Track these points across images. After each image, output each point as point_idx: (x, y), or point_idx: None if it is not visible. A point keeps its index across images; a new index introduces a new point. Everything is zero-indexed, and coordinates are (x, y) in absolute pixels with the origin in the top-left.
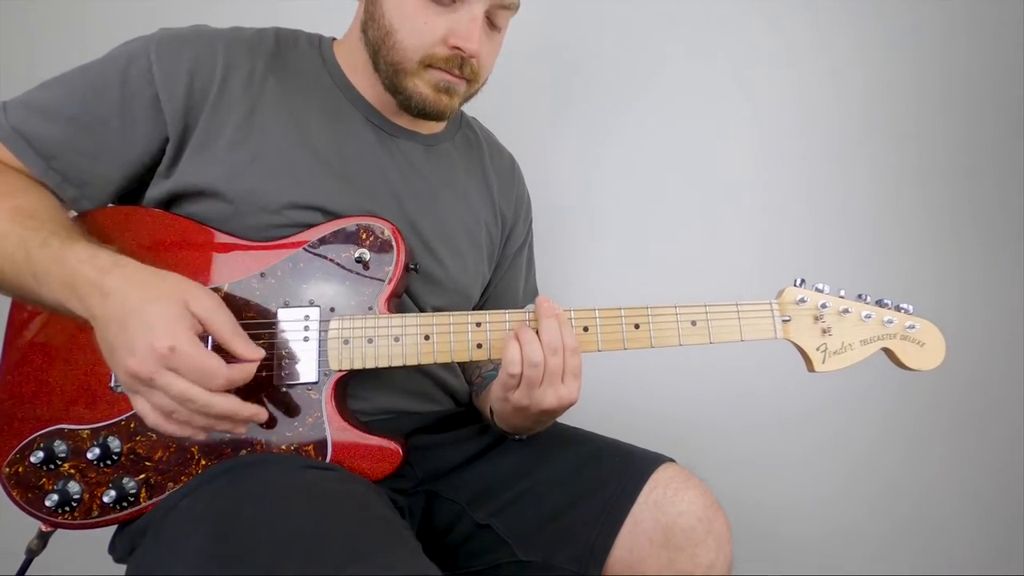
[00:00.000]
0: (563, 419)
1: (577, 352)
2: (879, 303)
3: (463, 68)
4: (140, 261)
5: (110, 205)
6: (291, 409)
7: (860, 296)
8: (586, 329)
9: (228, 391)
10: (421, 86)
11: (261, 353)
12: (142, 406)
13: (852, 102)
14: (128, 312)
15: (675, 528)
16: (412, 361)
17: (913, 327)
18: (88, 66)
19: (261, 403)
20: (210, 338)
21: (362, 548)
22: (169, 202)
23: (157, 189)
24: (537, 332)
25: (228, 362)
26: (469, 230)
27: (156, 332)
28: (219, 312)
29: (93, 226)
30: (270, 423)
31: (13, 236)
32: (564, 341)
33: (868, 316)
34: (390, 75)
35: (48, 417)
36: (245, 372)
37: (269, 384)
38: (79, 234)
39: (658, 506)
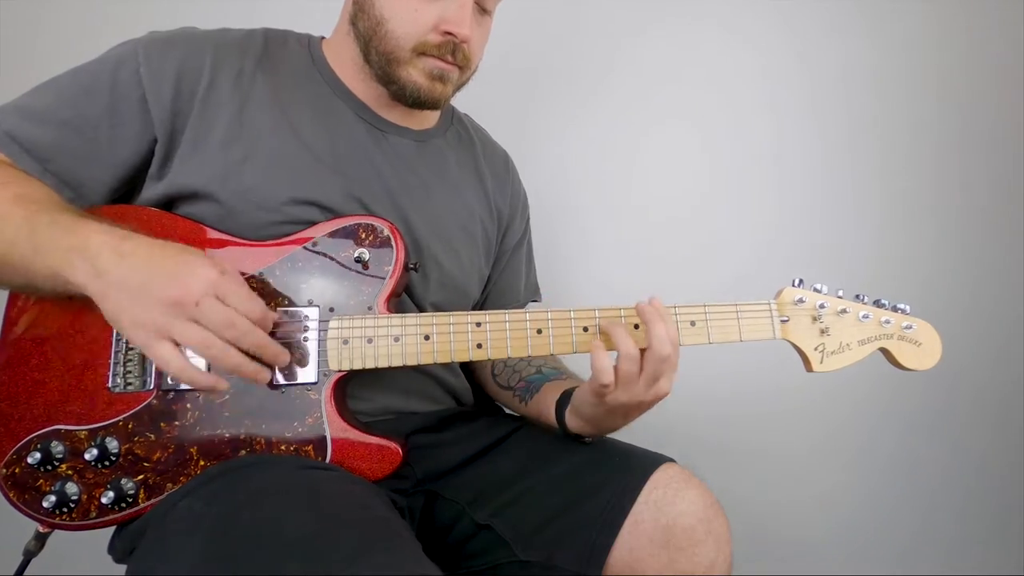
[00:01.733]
0: None
1: (678, 348)
2: (876, 303)
3: (455, 54)
4: None
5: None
6: (291, 409)
7: (858, 297)
8: (586, 329)
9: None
10: (415, 74)
11: (275, 315)
12: (166, 351)
13: (852, 101)
14: (161, 257)
15: (675, 528)
16: (412, 361)
17: (910, 327)
18: (79, 69)
19: (259, 403)
20: None
21: (362, 548)
22: (165, 205)
23: (151, 192)
24: (635, 327)
25: None
26: (464, 225)
27: (202, 263)
28: (236, 272)
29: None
30: (271, 422)
31: (16, 217)
32: (671, 337)
33: (866, 316)
34: (383, 65)
35: (45, 418)
36: (272, 318)
37: (268, 384)
38: (90, 216)
39: (658, 506)
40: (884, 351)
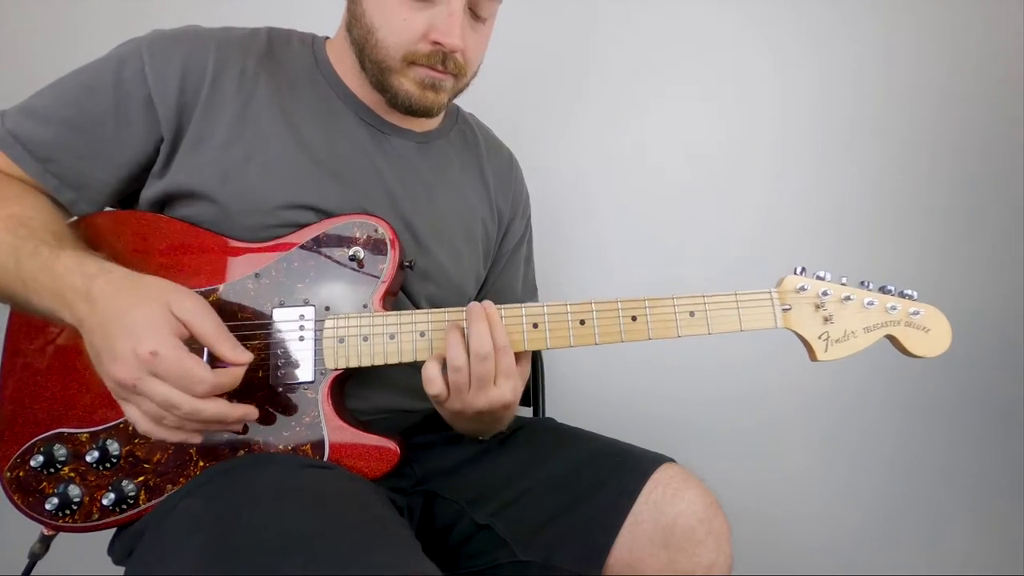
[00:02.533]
0: (563, 419)
1: (508, 351)
2: (882, 289)
3: (447, 63)
4: (133, 265)
5: (107, 208)
6: (288, 409)
7: (863, 283)
8: (583, 322)
9: (219, 395)
10: (406, 84)
11: (249, 356)
12: (132, 413)
13: (856, 92)
14: (112, 318)
15: (675, 528)
16: (408, 359)
17: (918, 313)
18: (82, 69)
19: (257, 403)
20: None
21: (361, 547)
22: (163, 203)
23: (151, 190)
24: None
25: (218, 366)
26: (465, 227)
27: (139, 337)
28: (202, 314)
29: (88, 231)
30: (266, 420)
31: (4, 245)
32: (496, 341)
33: (871, 303)
34: (376, 73)
35: (48, 421)
36: (232, 376)
37: (265, 384)
38: (70, 242)
39: (658, 506)
40: (891, 338)
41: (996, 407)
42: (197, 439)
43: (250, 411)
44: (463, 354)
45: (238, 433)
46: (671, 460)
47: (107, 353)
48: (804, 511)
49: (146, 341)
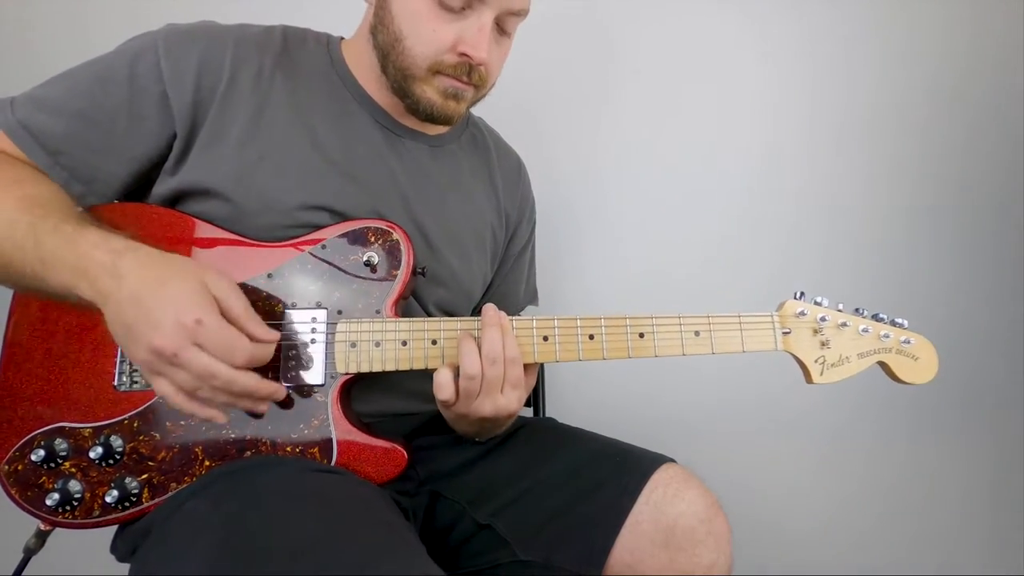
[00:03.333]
0: (563, 419)
1: (518, 363)
2: (875, 317)
3: (471, 75)
4: None
5: (116, 202)
6: (297, 411)
7: (857, 310)
8: (592, 337)
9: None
10: (429, 92)
11: (276, 335)
12: (164, 386)
13: (854, 111)
14: (148, 291)
15: (675, 528)
16: (419, 366)
17: (908, 342)
18: (95, 61)
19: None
20: None
21: (368, 553)
22: (175, 200)
23: (163, 186)
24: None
25: None
26: (475, 230)
27: (182, 306)
28: (234, 294)
29: (100, 220)
30: (276, 423)
31: (22, 223)
32: (505, 352)
33: (865, 330)
34: (398, 80)
35: (49, 415)
36: (266, 351)
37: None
38: (90, 222)
39: (658, 506)
40: (882, 364)
41: (996, 408)
42: (223, 418)
43: (279, 389)
44: (478, 362)
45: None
46: (671, 460)
47: (145, 323)
48: (805, 511)
49: (191, 310)
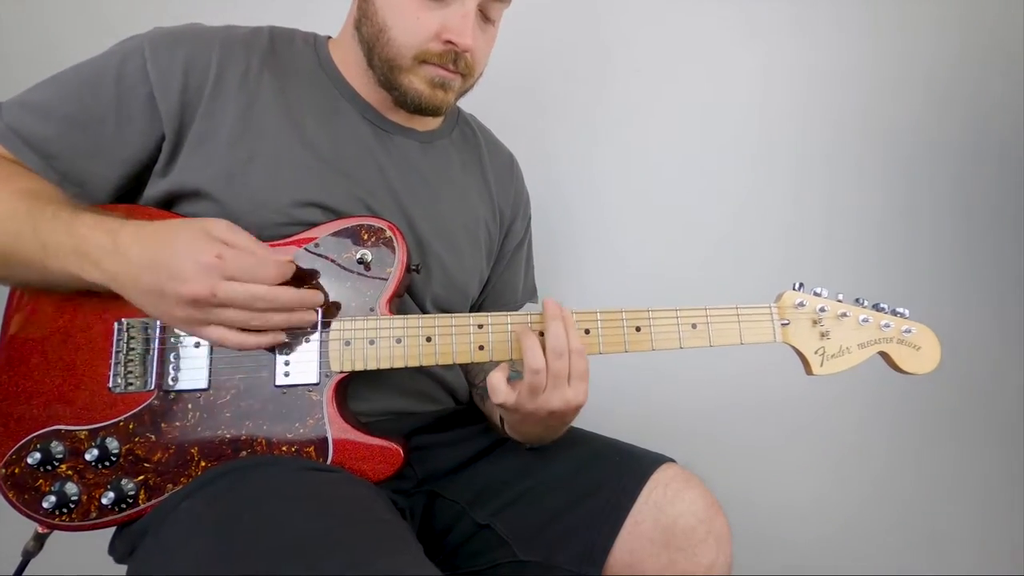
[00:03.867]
0: None
1: (583, 354)
2: (876, 307)
3: (457, 63)
4: None
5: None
6: (292, 410)
7: (858, 300)
8: (588, 331)
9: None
10: (416, 82)
11: (289, 256)
12: (215, 332)
13: (852, 104)
14: (157, 252)
15: (675, 528)
16: (414, 363)
17: (909, 331)
18: (82, 65)
19: (261, 404)
20: None
21: (364, 552)
22: (167, 203)
23: (155, 189)
24: (542, 335)
25: None
26: (467, 227)
27: (197, 250)
28: (235, 229)
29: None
30: (272, 423)
31: (21, 211)
32: (570, 344)
33: (865, 320)
34: (385, 72)
35: (45, 418)
36: (287, 265)
37: (269, 385)
38: (85, 207)
39: (658, 506)
40: (883, 354)
41: (997, 409)
42: (283, 337)
43: (317, 295)
44: (542, 357)
45: (241, 437)
46: (671, 460)
47: (169, 281)
48: (805, 511)
49: (206, 249)
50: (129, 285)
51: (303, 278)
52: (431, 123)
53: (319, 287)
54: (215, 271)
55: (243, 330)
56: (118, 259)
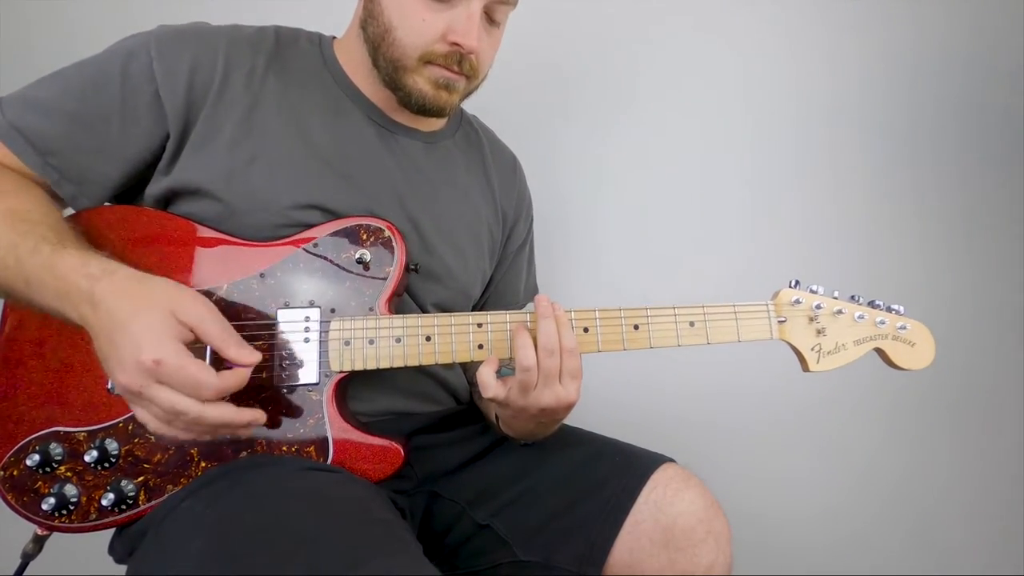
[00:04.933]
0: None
1: (575, 353)
2: (871, 304)
3: (462, 64)
4: (136, 261)
5: (107, 204)
6: (292, 410)
7: (853, 297)
8: (586, 330)
9: (224, 397)
10: (420, 83)
11: (257, 357)
12: (142, 414)
13: (848, 102)
14: (115, 326)
15: (675, 528)
16: (413, 362)
17: (904, 328)
18: (86, 62)
19: (260, 404)
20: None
21: (363, 552)
22: (167, 200)
23: (156, 186)
24: (534, 332)
25: (226, 366)
26: (470, 227)
27: (142, 346)
28: (208, 317)
29: (91, 225)
30: (270, 422)
31: (4, 240)
32: (562, 343)
33: (861, 317)
34: (389, 72)
35: (44, 419)
36: (238, 378)
37: (269, 385)
38: (71, 238)
39: (658, 506)
40: (879, 351)
41: (996, 407)
42: (207, 437)
43: (257, 415)
44: (533, 354)
45: (241, 439)
46: (671, 460)
47: (113, 359)
48: (804, 511)
49: (148, 350)
50: (94, 338)
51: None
52: (435, 124)
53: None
54: (149, 374)
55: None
56: (91, 310)
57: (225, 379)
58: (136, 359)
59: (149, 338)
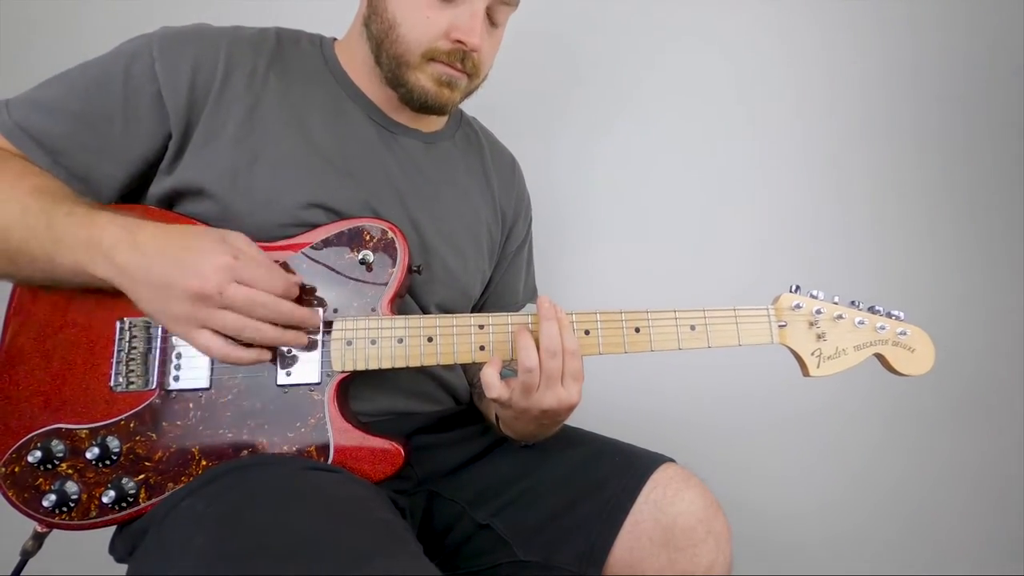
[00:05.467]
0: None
1: (577, 355)
2: (871, 309)
3: (464, 62)
4: None
5: (112, 203)
6: (293, 410)
7: (853, 303)
8: (588, 332)
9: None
10: (423, 79)
11: (299, 277)
12: (206, 338)
13: (850, 106)
14: (175, 249)
15: (675, 528)
16: (415, 363)
17: (904, 333)
18: (90, 63)
19: (262, 403)
20: None
21: (363, 551)
22: (170, 200)
23: (159, 186)
24: (536, 334)
25: None
26: (470, 227)
27: (216, 250)
28: (253, 244)
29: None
30: (273, 423)
31: (34, 208)
32: (564, 344)
33: (861, 322)
34: (392, 68)
35: (46, 416)
36: (298, 279)
37: (271, 385)
38: (101, 206)
39: (658, 506)
40: (879, 356)
41: (995, 407)
42: (268, 356)
43: (314, 315)
44: (535, 356)
45: (242, 438)
46: (671, 460)
47: (182, 274)
48: (804, 511)
49: (224, 249)
50: (139, 276)
51: (304, 300)
52: (435, 124)
53: (321, 303)
54: (228, 271)
55: (232, 341)
56: (132, 252)
57: (289, 274)
58: (214, 261)
59: (219, 246)
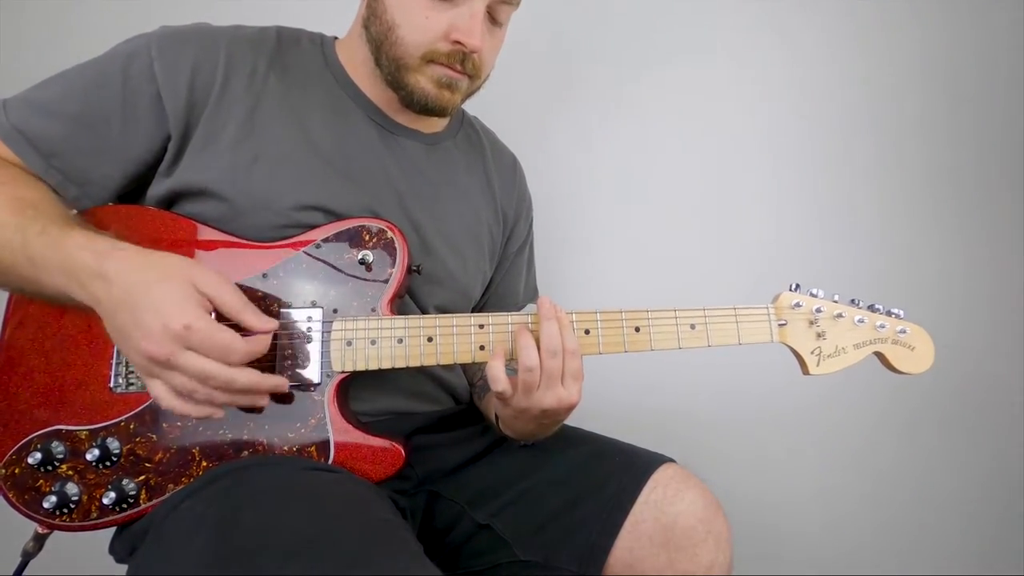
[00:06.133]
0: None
1: (577, 355)
2: (871, 308)
3: (465, 63)
4: None
5: (110, 204)
6: (293, 410)
7: (853, 301)
8: (588, 332)
9: (246, 364)
10: (423, 81)
11: (274, 324)
12: (158, 389)
13: (852, 104)
14: (135, 295)
15: (675, 528)
16: (415, 363)
17: (904, 331)
18: (88, 64)
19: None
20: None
21: (363, 552)
22: (170, 201)
23: (158, 187)
24: (536, 334)
25: (244, 334)
26: (470, 228)
27: (168, 312)
28: (226, 287)
29: (93, 223)
30: (273, 423)
31: (11, 224)
32: (564, 344)
33: (861, 320)
34: (392, 71)
35: (46, 418)
36: (262, 343)
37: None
38: (77, 223)
39: (658, 506)
40: (879, 355)
41: (996, 407)
42: (220, 414)
43: (281, 382)
44: (536, 355)
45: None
46: (671, 460)
47: (135, 330)
48: (804, 512)
49: (177, 315)
50: (104, 312)
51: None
52: (436, 125)
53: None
54: (179, 340)
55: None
56: (102, 284)
57: (251, 343)
58: (164, 325)
59: (175, 304)
